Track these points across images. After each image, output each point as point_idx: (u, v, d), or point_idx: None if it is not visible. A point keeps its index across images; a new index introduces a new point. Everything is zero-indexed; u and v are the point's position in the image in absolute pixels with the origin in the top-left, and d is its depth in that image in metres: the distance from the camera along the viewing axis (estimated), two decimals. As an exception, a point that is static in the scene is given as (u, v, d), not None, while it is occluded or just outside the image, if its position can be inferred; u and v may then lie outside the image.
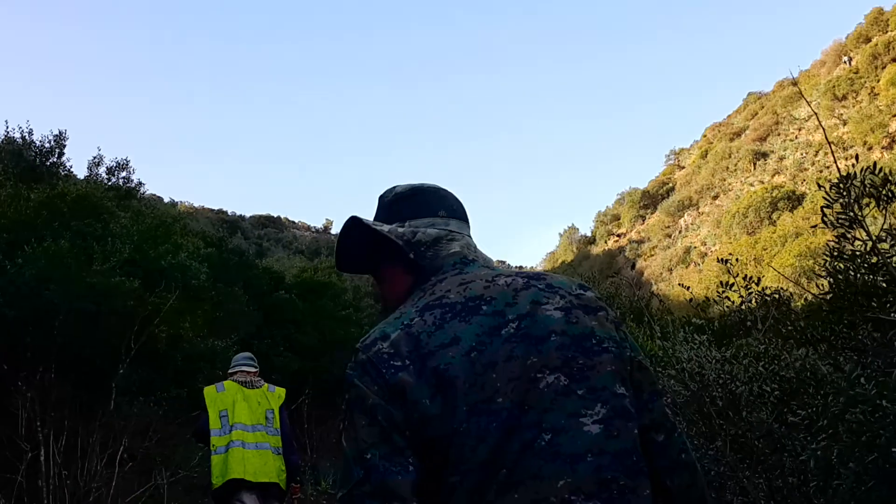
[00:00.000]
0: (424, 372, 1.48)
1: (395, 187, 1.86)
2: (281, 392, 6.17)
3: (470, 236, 1.82)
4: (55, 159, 12.28)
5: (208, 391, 5.98)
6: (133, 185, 15.10)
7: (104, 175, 14.51)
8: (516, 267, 30.74)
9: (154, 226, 11.38)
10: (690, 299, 6.16)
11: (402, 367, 1.49)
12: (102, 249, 9.61)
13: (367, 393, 1.49)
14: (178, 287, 11.04)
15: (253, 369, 6.15)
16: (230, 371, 6.15)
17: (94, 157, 14.44)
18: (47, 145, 12.10)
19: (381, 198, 1.86)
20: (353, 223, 1.78)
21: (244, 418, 5.70)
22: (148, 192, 21.01)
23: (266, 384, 6.07)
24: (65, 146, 12.44)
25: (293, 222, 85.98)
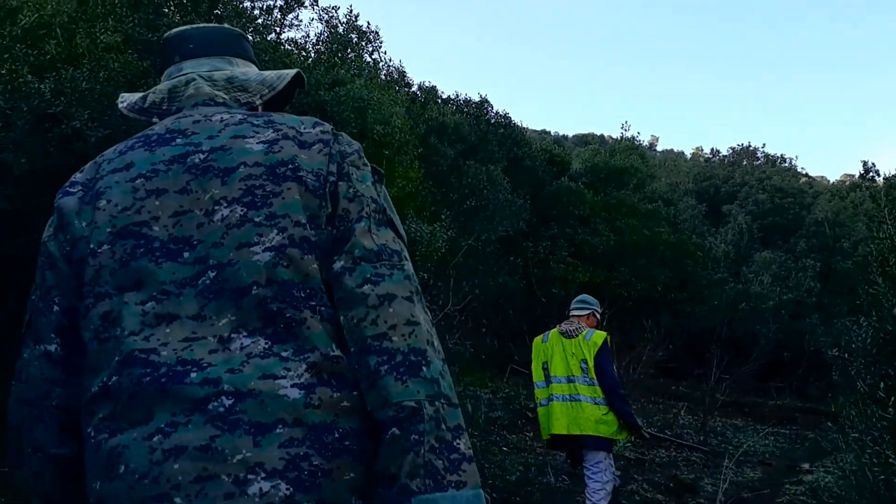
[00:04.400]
0: (90, 196, 1.43)
1: None
2: (597, 338, 5.83)
3: (228, 66, 1.64)
4: None
5: (536, 342, 6.15)
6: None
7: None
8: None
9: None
10: None
11: (72, 193, 1.45)
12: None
13: (45, 232, 1.46)
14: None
15: (582, 313, 6.06)
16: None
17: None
18: None
19: None
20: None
21: (560, 370, 5.82)
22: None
23: (585, 331, 5.85)
24: None
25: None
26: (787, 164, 24.31)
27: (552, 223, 13.64)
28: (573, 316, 6.02)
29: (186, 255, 1.34)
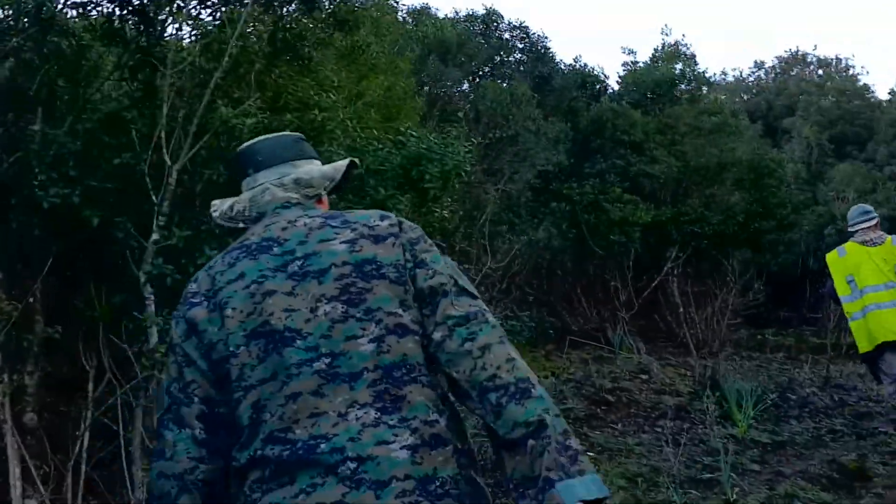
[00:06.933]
0: (216, 306, 1.74)
1: None
2: None
3: (293, 170, 1.94)
4: None
5: (830, 257, 6.07)
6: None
7: None
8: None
9: None
10: None
11: (198, 303, 1.76)
12: None
13: (174, 334, 1.78)
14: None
15: (868, 224, 6.00)
16: (849, 229, 6.16)
17: None
18: None
19: None
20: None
21: (873, 279, 5.69)
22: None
23: (888, 237, 5.93)
24: None
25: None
26: (843, 65, 21.40)
27: (597, 156, 10.88)
28: (863, 228, 5.99)
29: (299, 342, 1.67)
